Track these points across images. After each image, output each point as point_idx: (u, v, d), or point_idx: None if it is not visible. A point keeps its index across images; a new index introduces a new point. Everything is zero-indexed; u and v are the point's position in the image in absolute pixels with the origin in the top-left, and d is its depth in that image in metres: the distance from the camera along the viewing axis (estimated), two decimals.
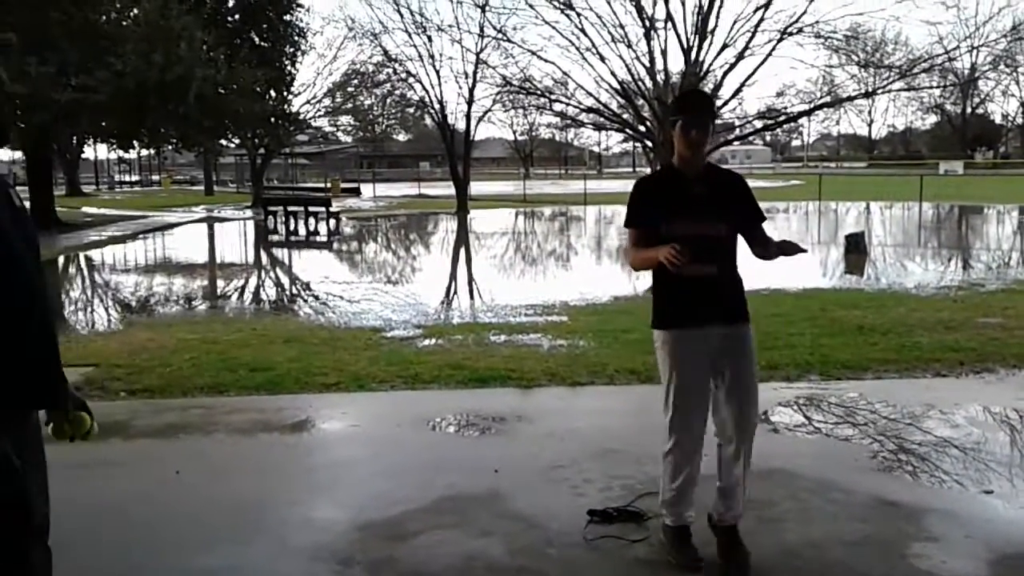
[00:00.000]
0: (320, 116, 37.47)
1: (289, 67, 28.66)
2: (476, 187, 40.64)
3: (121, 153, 48.60)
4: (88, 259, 19.15)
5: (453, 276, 16.25)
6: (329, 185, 47.35)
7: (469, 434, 5.54)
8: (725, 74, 28.39)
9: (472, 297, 13.10)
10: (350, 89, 38.98)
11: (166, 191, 58.16)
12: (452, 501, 4.21)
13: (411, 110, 51.54)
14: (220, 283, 15.52)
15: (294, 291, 14.43)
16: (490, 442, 5.30)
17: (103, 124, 19.85)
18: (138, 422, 5.69)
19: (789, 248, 3.38)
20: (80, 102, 17.85)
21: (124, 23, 21.48)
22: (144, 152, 58.54)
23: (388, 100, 44.33)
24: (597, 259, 19.47)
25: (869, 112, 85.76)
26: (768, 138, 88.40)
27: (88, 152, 59.28)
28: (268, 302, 13.02)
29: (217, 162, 59.86)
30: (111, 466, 4.74)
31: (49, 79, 17.32)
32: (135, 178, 73.93)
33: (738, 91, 29.35)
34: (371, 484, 4.57)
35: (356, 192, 48.88)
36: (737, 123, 31.99)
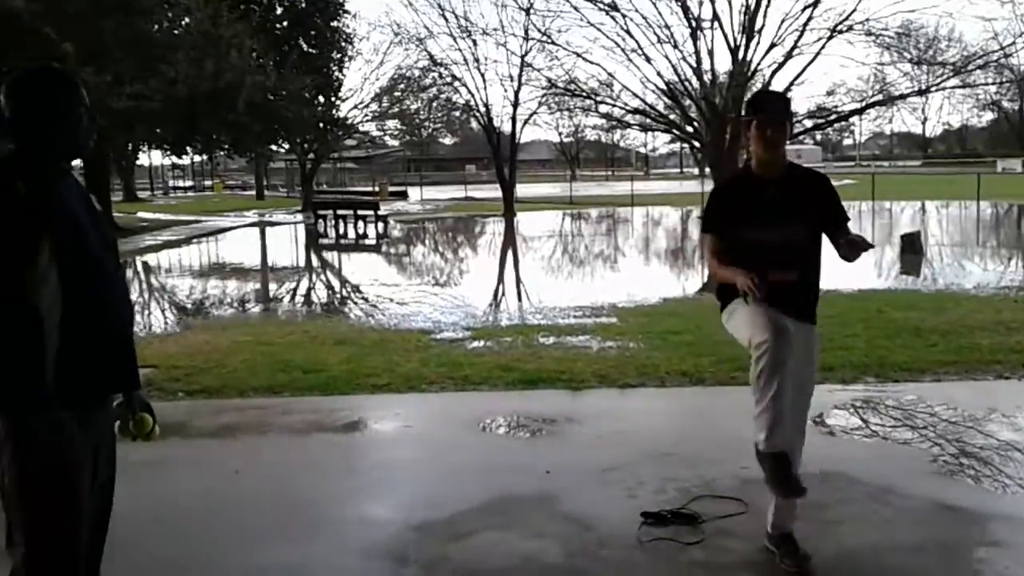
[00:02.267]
0: (367, 120, 37.79)
1: (336, 72, 29.05)
2: (522, 189, 40.77)
3: (175, 159, 49.71)
4: (145, 263, 19.59)
5: (501, 278, 16.28)
6: (377, 189, 47.78)
7: (520, 435, 5.56)
8: (773, 73, 28.09)
9: (520, 299, 13.11)
10: (397, 93, 39.29)
11: (218, 196, 59.13)
12: (505, 502, 4.23)
13: (457, 113, 51.78)
14: (272, 286, 15.76)
15: (344, 294, 14.60)
16: (541, 444, 5.31)
17: (157, 131, 20.34)
18: (197, 422, 5.81)
19: (862, 244, 3.30)
20: (135, 110, 18.29)
21: (176, 32, 21.96)
22: (197, 158, 59.61)
23: (434, 104, 44.63)
24: (645, 260, 19.40)
25: (923, 110, 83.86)
26: (819, 137, 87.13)
27: (143, 159, 60.61)
28: (319, 304, 13.17)
29: (268, 167, 60.76)
30: (173, 465, 4.83)
31: (105, 88, 17.76)
32: (188, 184, 75.33)
33: (787, 90, 29.07)
34: (424, 484, 4.62)
35: (403, 195, 49.24)
36: None
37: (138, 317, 12.07)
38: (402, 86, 38.30)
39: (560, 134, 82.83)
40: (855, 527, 3.88)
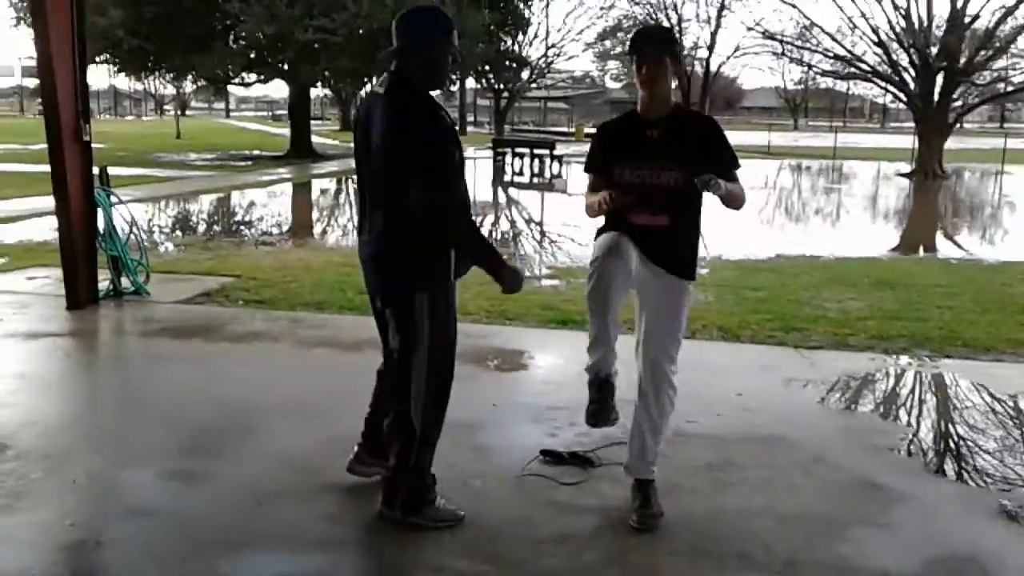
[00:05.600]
0: (566, 60, 37.64)
1: (524, 9, 29.03)
2: (733, 138, 38.71)
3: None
4: (319, 186, 20.89)
5: None
6: (573, 130, 47.80)
7: (496, 371, 5.45)
8: (1000, 20, 25.28)
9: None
10: (620, 35, 38.48)
11: None
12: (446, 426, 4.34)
13: None
14: None
15: (483, 228, 14.92)
16: (510, 379, 5.39)
17: (337, 64, 21.38)
18: (231, 327, 6.33)
19: (709, 183, 3.13)
20: (318, 43, 19.33)
21: None
22: None
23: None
24: (785, 214, 18.09)
25: None
26: None
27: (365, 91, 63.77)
28: None
29: (475, 103, 62.20)
30: (180, 361, 5.37)
31: (294, 20, 18.88)
32: None
33: (1013, 39, 26.07)
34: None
35: None
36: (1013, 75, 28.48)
37: (277, 231, 13.03)
38: (627, 26, 37.39)
39: (784, 81, 78.62)
40: (749, 491, 3.70)
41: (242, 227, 13.73)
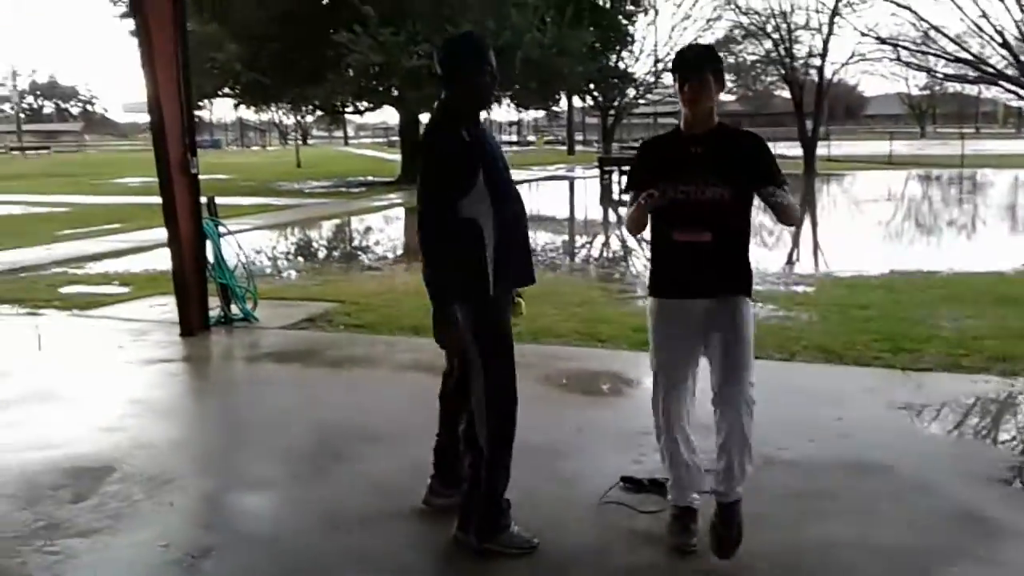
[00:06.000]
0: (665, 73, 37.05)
1: (627, 26, 28.89)
2: (846, 147, 37.94)
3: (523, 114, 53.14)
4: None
5: None
6: None
7: (582, 395, 5.47)
8: None
9: None
10: (733, 46, 37.74)
11: (538, 149, 61.86)
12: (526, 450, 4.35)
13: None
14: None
15: (576, 247, 14.92)
16: (599, 404, 5.34)
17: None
18: (331, 351, 6.53)
19: (783, 205, 3.10)
20: (423, 68, 19.77)
21: None
22: (529, 114, 62.61)
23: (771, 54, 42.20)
24: (902, 228, 17.19)
25: None
26: None
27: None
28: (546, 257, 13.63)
29: (584, 122, 62.28)
30: (277, 384, 5.57)
31: (400, 48, 19.39)
32: (514, 138, 79.49)
33: None
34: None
35: None
36: None
37: (381, 257, 13.36)
38: (739, 37, 36.68)
39: (908, 87, 75.45)
40: (837, 521, 3.55)
41: (350, 253, 14.16)
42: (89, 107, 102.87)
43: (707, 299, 3.26)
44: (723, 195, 3.19)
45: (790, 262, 11.75)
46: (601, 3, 27.52)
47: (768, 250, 12.87)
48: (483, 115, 3.49)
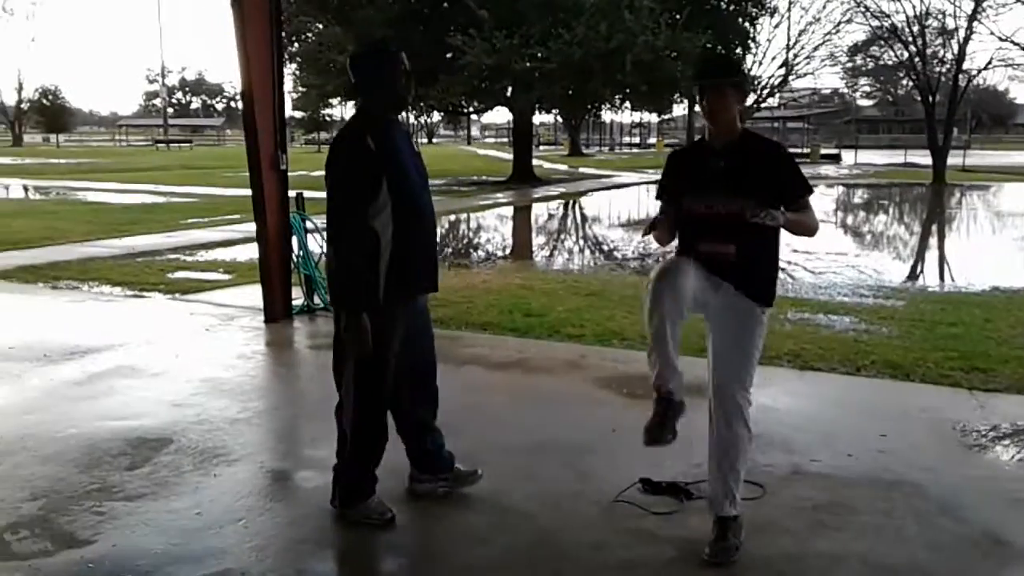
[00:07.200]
0: (795, 78, 35.95)
1: (749, 29, 28.22)
2: (988, 157, 35.56)
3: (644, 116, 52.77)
4: (528, 212, 21.49)
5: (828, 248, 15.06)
6: (808, 151, 45.82)
7: (629, 398, 5.46)
8: None
9: (812, 272, 11.87)
10: (873, 49, 36.37)
11: (658, 152, 61.18)
12: (539, 448, 4.47)
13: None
14: (604, 237, 16.28)
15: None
16: (622, 403, 5.32)
17: (550, 90, 21.83)
18: None
19: (772, 216, 3.08)
20: (534, 71, 20.01)
21: None
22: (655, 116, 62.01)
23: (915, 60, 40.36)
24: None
25: None
26: None
27: (606, 116, 64.60)
28: (602, 256, 13.53)
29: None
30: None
31: (512, 51, 19.66)
32: (636, 140, 78.88)
33: None
34: (476, 427, 4.99)
35: (836, 159, 46.56)
36: None
37: (471, 254, 13.61)
38: (881, 40, 35.21)
39: None
40: (850, 536, 3.49)
41: (443, 249, 14.48)
42: (233, 103, 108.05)
43: (727, 283, 3.25)
44: (742, 207, 3.19)
45: (885, 273, 11.29)
46: (720, 4, 27.01)
47: (865, 260, 12.47)
48: (402, 117, 3.71)
